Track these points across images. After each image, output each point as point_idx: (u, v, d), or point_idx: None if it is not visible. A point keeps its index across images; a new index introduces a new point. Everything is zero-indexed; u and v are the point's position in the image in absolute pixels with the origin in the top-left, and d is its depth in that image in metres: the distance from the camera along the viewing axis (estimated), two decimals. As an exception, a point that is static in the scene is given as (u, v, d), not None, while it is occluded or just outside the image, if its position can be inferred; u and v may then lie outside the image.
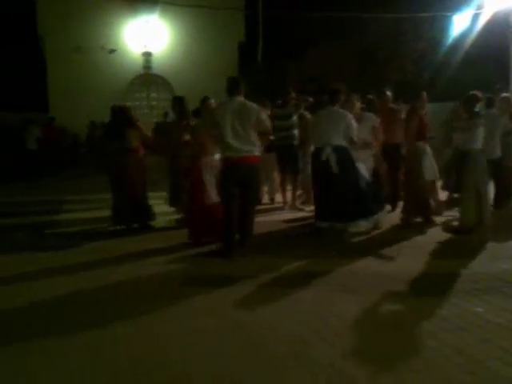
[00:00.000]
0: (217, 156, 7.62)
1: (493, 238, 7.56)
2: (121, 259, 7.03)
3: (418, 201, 8.54)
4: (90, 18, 23.60)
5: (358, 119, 8.44)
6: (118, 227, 8.82)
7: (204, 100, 8.95)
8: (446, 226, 8.44)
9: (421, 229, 8.31)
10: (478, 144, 7.96)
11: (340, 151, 7.87)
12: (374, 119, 9.01)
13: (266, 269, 6.38)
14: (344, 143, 7.91)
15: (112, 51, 23.99)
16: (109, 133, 9.06)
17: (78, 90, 22.93)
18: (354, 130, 7.95)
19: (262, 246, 7.36)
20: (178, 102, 9.29)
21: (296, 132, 10.50)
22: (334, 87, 8.25)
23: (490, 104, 9.68)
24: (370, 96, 10.16)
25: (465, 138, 8.04)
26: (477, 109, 8.11)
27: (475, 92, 8.21)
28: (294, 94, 10.83)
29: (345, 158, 7.88)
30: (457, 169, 8.32)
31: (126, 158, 8.68)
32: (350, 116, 8.02)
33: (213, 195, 7.62)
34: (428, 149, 8.67)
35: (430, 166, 8.68)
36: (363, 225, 8.06)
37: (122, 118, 8.85)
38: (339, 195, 7.82)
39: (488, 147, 8.69)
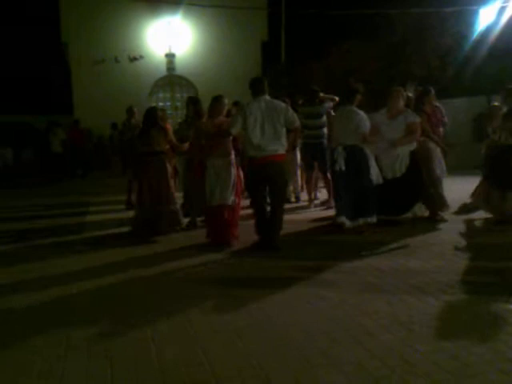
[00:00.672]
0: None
1: None
2: (147, 260, 7.09)
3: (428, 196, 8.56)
4: (111, 23, 23.68)
5: (396, 114, 8.45)
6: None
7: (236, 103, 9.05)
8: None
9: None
10: None
11: (351, 151, 7.97)
12: (413, 117, 8.78)
13: (293, 268, 6.37)
14: (356, 141, 7.99)
15: (137, 58, 24.05)
16: (138, 135, 8.89)
17: (102, 93, 23.01)
18: (364, 127, 7.99)
19: (288, 246, 7.37)
20: (192, 101, 9.26)
21: (325, 130, 10.49)
22: (351, 87, 8.38)
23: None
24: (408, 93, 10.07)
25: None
26: None
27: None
28: (321, 93, 10.77)
29: (354, 158, 7.96)
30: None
31: (153, 161, 8.47)
32: (360, 114, 8.08)
33: (226, 197, 7.57)
34: (435, 145, 8.69)
35: (439, 163, 8.65)
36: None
37: (149, 119, 8.65)
38: (349, 194, 7.96)
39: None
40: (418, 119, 8.48)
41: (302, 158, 10.93)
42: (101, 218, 10.48)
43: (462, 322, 4.49)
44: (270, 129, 7.13)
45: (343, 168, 7.91)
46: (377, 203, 8.04)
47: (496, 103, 11.03)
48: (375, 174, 8.05)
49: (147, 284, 6.02)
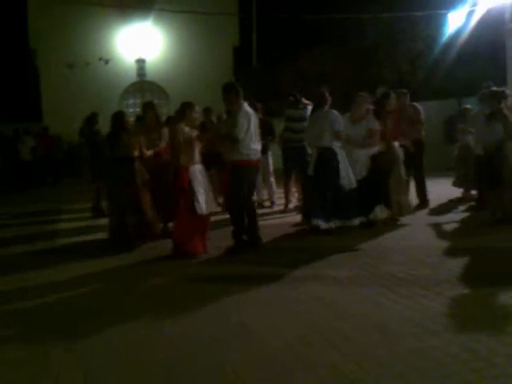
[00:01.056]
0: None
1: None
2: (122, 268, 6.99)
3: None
4: (81, 28, 23.50)
5: (360, 119, 8.59)
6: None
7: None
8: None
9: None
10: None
11: (324, 153, 8.13)
12: (372, 122, 8.89)
13: (269, 273, 6.37)
14: (329, 143, 8.09)
15: (107, 61, 23.85)
16: (107, 139, 8.59)
17: (72, 99, 22.81)
18: (338, 125, 8.13)
19: (265, 251, 7.45)
20: (152, 107, 9.17)
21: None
22: (320, 91, 8.43)
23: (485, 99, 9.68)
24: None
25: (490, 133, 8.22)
26: (500, 105, 8.31)
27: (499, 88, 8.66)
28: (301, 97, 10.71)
29: (326, 160, 8.07)
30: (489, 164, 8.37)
31: (122, 167, 8.16)
32: (333, 112, 8.24)
33: (202, 206, 7.38)
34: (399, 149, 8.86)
35: (402, 166, 8.76)
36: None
37: (118, 123, 8.36)
38: (318, 196, 8.09)
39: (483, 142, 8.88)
40: (377, 126, 8.63)
41: (284, 161, 10.75)
42: (73, 225, 10.32)
43: (436, 323, 4.46)
44: (257, 134, 7.49)
45: (315, 171, 8.06)
46: (355, 206, 8.13)
47: (467, 106, 11.17)
48: (348, 177, 8.08)
49: (118, 292, 5.94)
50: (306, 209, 8.52)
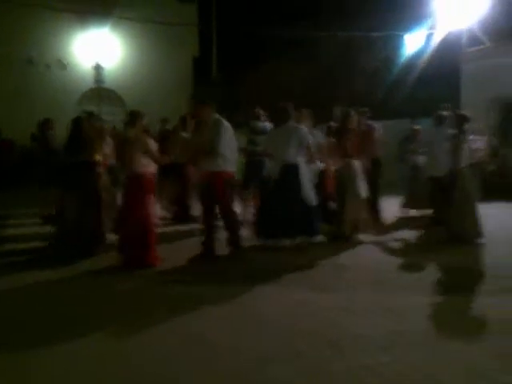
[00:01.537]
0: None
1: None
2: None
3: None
4: (40, 31, 23.17)
5: None
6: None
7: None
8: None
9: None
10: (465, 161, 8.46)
11: (288, 168, 8.04)
12: (319, 137, 9.09)
13: (224, 286, 6.36)
14: (294, 159, 8.05)
15: (64, 66, 23.54)
16: (66, 144, 8.45)
17: (26, 103, 22.43)
18: (309, 141, 8.14)
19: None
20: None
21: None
22: (282, 106, 8.41)
23: (441, 121, 9.91)
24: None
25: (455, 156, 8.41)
26: (465, 128, 8.53)
27: (464, 112, 8.90)
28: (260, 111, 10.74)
29: (289, 176, 8.03)
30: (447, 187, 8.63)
31: (80, 173, 8.04)
32: (302, 129, 8.24)
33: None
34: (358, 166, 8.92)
35: (363, 184, 8.85)
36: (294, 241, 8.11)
37: (78, 128, 8.28)
38: (279, 212, 7.96)
39: (438, 164, 9.33)
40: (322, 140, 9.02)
41: (245, 174, 10.69)
42: (22, 231, 10.09)
43: (385, 340, 4.51)
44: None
45: (278, 186, 8.00)
46: (317, 222, 8.15)
47: (416, 126, 11.40)
48: (310, 193, 8.09)
49: (71, 302, 5.85)
50: (261, 224, 8.33)
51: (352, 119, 8.92)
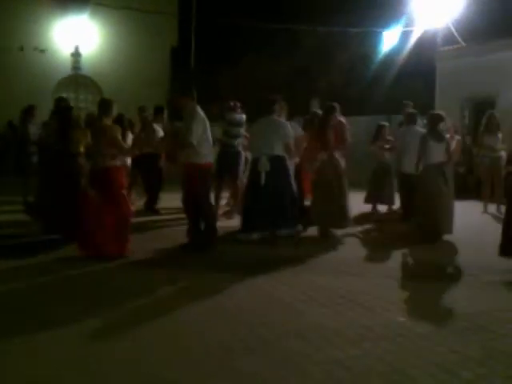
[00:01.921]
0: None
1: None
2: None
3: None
4: (16, 15, 22.87)
5: None
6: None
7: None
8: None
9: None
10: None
11: (274, 161, 8.08)
12: (298, 131, 9.21)
13: (199, 280, 6.32)
14: (281, 152, 8.13)
15: (42, 51, 23.25)
16: (53, 134, 8.50)
17: (3, 90, 22.18)
18: (291, 138, 8.22)
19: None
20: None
21: (241, 140, 10.49)
22: (271, 97, 8.47)
23: (412, 120, 10.07)
24: (315, 110, 10.35)
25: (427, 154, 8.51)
26: (440, 127, 8.74)
27: (439, 112, 9.08)
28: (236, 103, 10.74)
29: (278, 169, 8.10)
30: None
31: (69, 163, 8.12)
32: (287, 124, 8.35)
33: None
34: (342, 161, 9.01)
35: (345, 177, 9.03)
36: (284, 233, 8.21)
37: (67, 118, 8.38)
38: (267, 204, 8.04)
39: (408, 161, 9.55)
40: (302, 133, 9.17)
41: (218, 166, 10.66)
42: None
43: (357, 333, 4.61)
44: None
45: (265, 181, 8.04)
46: (298, 215, 8.26)
47: (383, 123, 11.55)
48: (294, 186, 8.22)
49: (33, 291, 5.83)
50: (248, 217, 8.34)
51: (335, 114, 8.97)
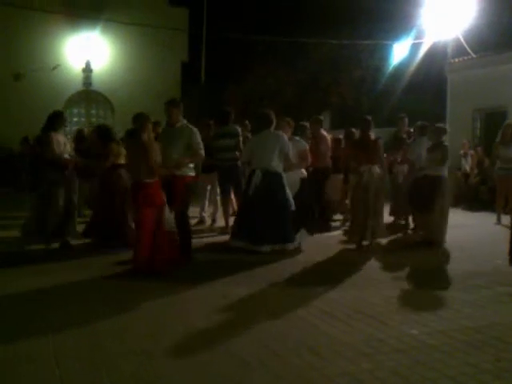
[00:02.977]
0: None
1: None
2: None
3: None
4: (28, 35, 23.04)
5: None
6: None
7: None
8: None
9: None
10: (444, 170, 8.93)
11: (269, 175, 8.14)
12: (302, 144, 9.21)
13: (202, 291, 6.32)
14: (276, 166, 8.17)
15: (55, 67, 23.38)
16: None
17: (13, 105, 22.35)
18: (289, 149, 8.28)
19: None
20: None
21: (238, 153, 10.16)
22: (264, 112, 8.53)
23: (423, 132, 10.06)
24: (303, 122, 10.33)
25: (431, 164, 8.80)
26: (442, 139, 9.03)
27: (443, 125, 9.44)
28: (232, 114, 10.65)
29: (273, 182, 8.15)
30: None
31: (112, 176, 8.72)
32: (284, 136, 8.37)
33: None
34: None
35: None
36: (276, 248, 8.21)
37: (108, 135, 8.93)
38: (260, 217, 8.07)
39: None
40: (306, 146, 9.15)
41: (221, 181, 10.64)
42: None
43: (369, 346, 4.56)
44: None
45: (260, 194, 8.07)
46: (293, 229, 8.26)
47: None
48: (290, 199, 8.20)
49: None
50: (239, 227, 8.38)
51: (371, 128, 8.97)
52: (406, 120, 11.36)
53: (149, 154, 7.00)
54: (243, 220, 8.29)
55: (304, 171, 8.99)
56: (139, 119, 7.32)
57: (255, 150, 8.41)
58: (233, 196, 10.75)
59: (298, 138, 9.30)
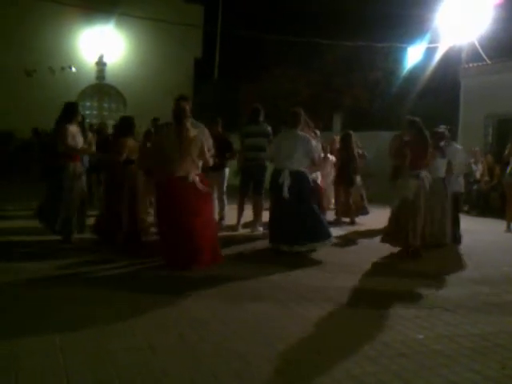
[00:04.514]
0: None
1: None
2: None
3: None
4: (42, 30, 23.13)
5: None
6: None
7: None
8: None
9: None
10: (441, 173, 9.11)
11: (297, 176, 8.10)
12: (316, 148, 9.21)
13: (208, 286, 6.33)
14: (303, 168, 8.17)
15: (70, 67, 23.33)
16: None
17: (27, 97, 22.44)
18: (315, 151, 8.30)
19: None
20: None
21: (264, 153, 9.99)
22: (295, 110, 8.45)
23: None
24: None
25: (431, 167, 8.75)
26: (441, 143, 9.25)
27: (441, 130, 9.50)
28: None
29: (300, 183, 8.12)
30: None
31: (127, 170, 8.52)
32: (310, 139, 8.32)
33: None
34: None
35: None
36: (308, 247, 8.20)
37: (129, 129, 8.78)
38: (289, 219, 8.04)
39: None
40: (320, 150, 9.40)
41: (243, 180, 10.44)
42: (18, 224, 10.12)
43: (374, 349, 4.56)
44: None
45: (287, 195, 8.03)
46: (324, 229, 8.26)
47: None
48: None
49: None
50: (274, 229, 8.41)
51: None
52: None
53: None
54: (277, 222, 8.27)
55: (318, 174, 8.95)
56: (180, 112, 7.30)
57: (282, 148, 8.31)
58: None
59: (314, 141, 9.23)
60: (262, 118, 10.25)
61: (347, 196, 11.51)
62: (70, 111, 8.58)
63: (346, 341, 4.74)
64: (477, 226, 12.22)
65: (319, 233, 8.19)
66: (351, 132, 11.70)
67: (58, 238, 8.41)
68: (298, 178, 8.10)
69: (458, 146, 10.14)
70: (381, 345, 4.65)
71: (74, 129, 8.50)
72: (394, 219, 8.41)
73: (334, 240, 8.50)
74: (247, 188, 10.42)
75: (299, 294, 6.15)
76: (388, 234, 8.48)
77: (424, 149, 8.35)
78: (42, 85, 22.66)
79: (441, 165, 9.18)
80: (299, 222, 8.04)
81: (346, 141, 11.43)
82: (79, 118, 8.93)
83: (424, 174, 8.36)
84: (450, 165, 9.31)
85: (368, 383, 3.89)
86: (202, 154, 7.21)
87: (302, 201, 8.10)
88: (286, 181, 8.04)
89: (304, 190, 8.14)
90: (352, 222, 11.49)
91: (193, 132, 7.19)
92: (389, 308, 5.76)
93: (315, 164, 8.35)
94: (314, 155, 8.25)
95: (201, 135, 7.38)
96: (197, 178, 7.10)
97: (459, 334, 5.04)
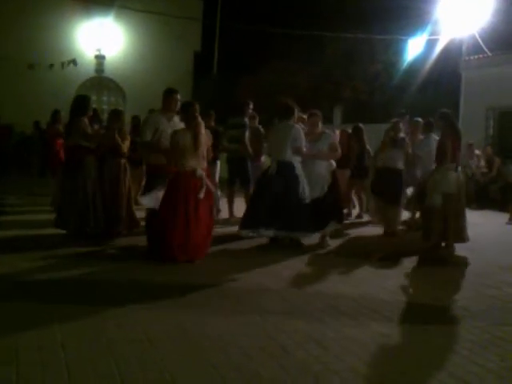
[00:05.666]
0: None
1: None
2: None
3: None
4: (41, 23, 23.04)
5: (318, 136, 8.61)
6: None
7: None
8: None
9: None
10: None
11: (283, 166, 8.07)
12: (331, 136, 9.07)
13: (209, 282, 6.32)
14: (290, 157, 8.09)
15: (69, 62, 23.23)
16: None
17: (26, 90, 22.39)
18: (301, 141, 8.13)
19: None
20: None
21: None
22: (285, 103, 8.41)
23: (430, 129, 10.01)
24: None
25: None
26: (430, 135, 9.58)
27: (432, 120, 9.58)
28: (251, 106, 10.68)
29: (287, 174, 8.07)
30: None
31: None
32: (296, 128, 8.22)
33: None
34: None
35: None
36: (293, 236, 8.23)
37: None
38: (272, 205, 7.98)
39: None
40: (336, 138, 9.35)
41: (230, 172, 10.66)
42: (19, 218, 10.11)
43: (376, 343, 4.55)
44: None
45: (273, 183, 8.03)
46: (309, 221, 8.12)
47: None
48: (304, 191, 8.11)
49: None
50: (248, 216, 8.28)
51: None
52: (407, 117, 11.27)
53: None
54: (255, 208, 8.20)
55: (333, 163, 8.77)
56: (187, 106, 7.38)
57: (273, 141, 8.42)
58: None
59: (327, 130, 9.15)
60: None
61: (360, 189, 11.46)
62: (82, 105, 8.53)
63: (348, 333, 4.72)
64: (477, 218, 12.15)
65: (299, 224, 8.02)
66: (362, 125, 11.61)
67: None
68: (286, 168, 8.07)
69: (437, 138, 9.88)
70: (382, 338, 4.64)
71: (86, 122, 8.50)
72: (436, 217, 8.07)
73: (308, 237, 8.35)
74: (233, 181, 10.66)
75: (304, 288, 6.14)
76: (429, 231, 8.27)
77: (458, 141, 8.23)
78: (40, 78, 22.62)
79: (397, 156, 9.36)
80: (281, 209, 7.95)
81: (357, 134, 11.30)
82: (91, 112, 8.92)
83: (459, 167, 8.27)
84: (410, 156, 9.54)
85: (368, 376, 3.88)
86: (207, 150, 7.46)
87: (289, 190, 8.02)
88: (272, 171, 8.12)
89: (291, 179, 8.06)
90: (348, 214, 11.33)
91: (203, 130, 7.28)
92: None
93: (298, 152, 8.13)
94: (297, 145, 8.09)
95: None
96: (203, 174, 7.16)
97: (461, 326, 5.05)
